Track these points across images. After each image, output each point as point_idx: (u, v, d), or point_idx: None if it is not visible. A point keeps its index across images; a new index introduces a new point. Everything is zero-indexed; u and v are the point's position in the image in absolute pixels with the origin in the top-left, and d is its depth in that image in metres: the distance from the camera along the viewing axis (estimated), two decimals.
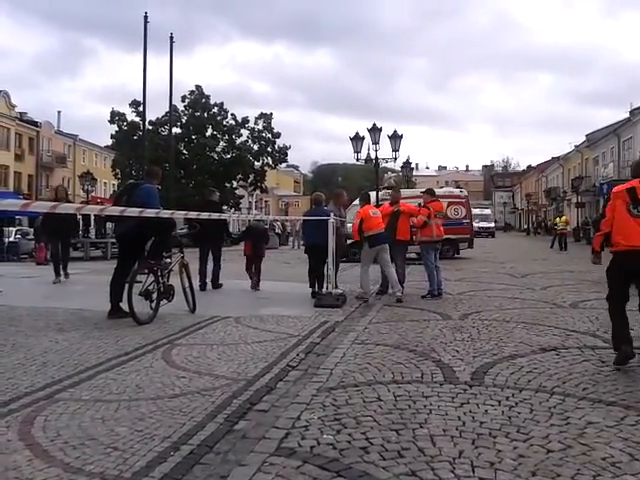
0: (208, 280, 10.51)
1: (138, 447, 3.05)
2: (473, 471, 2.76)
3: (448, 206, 20.78)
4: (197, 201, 16.10)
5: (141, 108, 28.29)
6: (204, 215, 8.40)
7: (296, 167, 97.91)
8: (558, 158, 53.67)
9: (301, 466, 2.82)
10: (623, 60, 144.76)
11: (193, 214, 8.25)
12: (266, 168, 41.65)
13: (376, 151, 20.91)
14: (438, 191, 25.19)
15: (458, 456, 2.93)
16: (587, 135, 43.73)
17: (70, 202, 10.62)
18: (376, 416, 3.54)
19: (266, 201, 72.61)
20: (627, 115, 35.24)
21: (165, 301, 7.16)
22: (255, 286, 10.59)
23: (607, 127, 39.75)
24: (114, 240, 14.90)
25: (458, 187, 32.18)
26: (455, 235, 20.40)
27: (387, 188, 22.55)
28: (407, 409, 3.67)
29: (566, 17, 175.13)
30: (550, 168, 58.39)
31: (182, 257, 7.72)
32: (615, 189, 5.12)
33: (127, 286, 6.59)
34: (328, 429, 3.32)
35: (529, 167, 74.02)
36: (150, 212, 6.26)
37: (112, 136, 39.50)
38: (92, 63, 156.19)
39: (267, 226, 20.13)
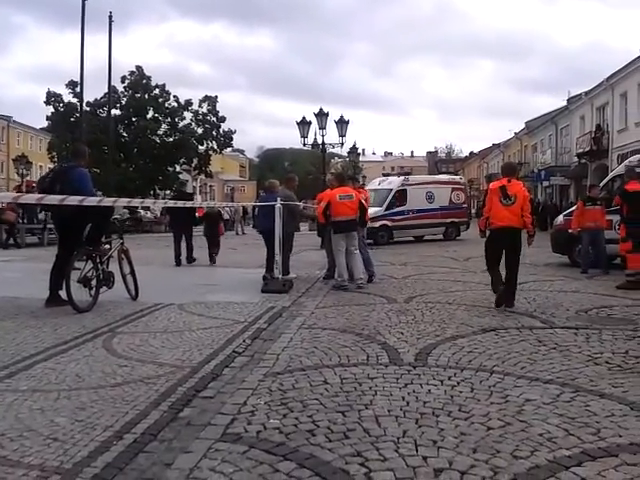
0: (182, 258, 12.39)
1: (79, 437, 2.97)
2: (416, 450, 2.82)
3: (452, 192, 22.51)
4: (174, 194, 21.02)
5: (78, 89, 27.34)
6: (180, 203, 10.39)
7: (242, 151, 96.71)
8: (499, 145, 54.92)
9: (247, 451, 2.81)
10: (561, 47, 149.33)
11: (171, 202, 10.66)
12: (211, 152, 41.01)
13: (323, 136, 20.94)
14: (441, 177, 27.36)
15: (402, 435, 2.99)
16: (526, 122, 44.91)
17: None
18: (322, 399, 3.56)
19: (211, 186, 71.55)
20: (565, 103, 36.42)
21: (105, 288, 6.98)
22: (213, 260, 12.71)
23: (545, 115, 40.90)
24: (51, 226, 14.58)
25: (455, 173, 33.90)
26: (458, 219, 22.21)
27: (403, 174, 24.76)
28: (353, 391, 3.72)
29: (506, 3, 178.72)
30: (491, 154, 59.77)
31: (122, 243, 7.51)
32: (491, 186, 7.35)
33: (65, 273, 6.38)
34: (275, 414, 3.32)
35: (471, 153, 75.31)
36: (92, 200, 6.06)
37: (48, 118, 38.01)
38: (22, 41, 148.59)
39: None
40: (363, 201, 9.49)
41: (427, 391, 3.72)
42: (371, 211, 11.87)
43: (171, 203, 11.19)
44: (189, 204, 11.23)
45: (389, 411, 3.35)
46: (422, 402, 3.50)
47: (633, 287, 8.36)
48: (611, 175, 12.37)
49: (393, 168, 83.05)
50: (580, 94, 33.13)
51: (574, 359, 4.53)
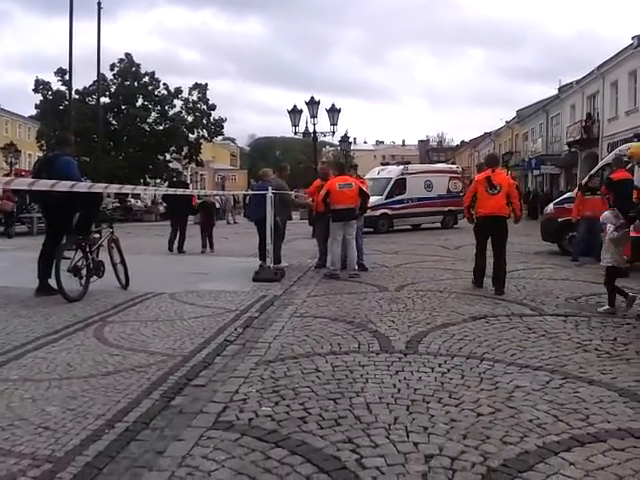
0: (175, 247, 12.68)
1: (71, 426, 2.97)
2: (407, 436, 2.84)
3: (449, 181, 23.03)
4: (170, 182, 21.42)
5: (67, 77, 27.06)
6: (171, 191, 11.31)
7: (232, 140, 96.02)
8: (490, 133, 54.90)
9: (239, 438, 2.82)
10: (553, 35, 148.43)
11: (162, 190, 11.94)
12: (201, 141, 40.76)
13: (314, 125, 20.92)
14: (438, 166, 27.79)
15: (393, 422, 3.01)
16: (518, 111, 44.89)
17: None
18: (314, 387, 3.58)
19: (201, 175, 71.14)
20: (556, 92, 36.43)
21: (95, 277, 6.95)
22: (210, 248, 12.93)
23: (536, 103, 40.92)
24: (40, 215, 14.54)
25: (453, 162, 34.24)
26: (455, 207, 21.99)
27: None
28: (344, 379, 3.73)
29: None
30: (482, 143, 59.74)
31: (112, 232, 7.47)
32: (477, 177, 7.87)
33: (55, 262, 6.34)
34: (266, 401, 3.33)
35: (462, 142, 75.32)
36: (82, 186, 6.01)
37: (37, 106, 37.62)
38: (8, 28, 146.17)
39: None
40: (364, 188, 9.47)
41: (418, 378, 3.74)
42: (371, 200, 11.86)
43: (162, 190, 11.37)
44: (179, 191, 11.38)
45: (380, 398, 3.37)
46: (413, 389, 3.53)
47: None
48: (601, 164, 12.40)
49: (384, 157, 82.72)
50: (571, 83, 33.15)
51: (563, 346, 4.57)
